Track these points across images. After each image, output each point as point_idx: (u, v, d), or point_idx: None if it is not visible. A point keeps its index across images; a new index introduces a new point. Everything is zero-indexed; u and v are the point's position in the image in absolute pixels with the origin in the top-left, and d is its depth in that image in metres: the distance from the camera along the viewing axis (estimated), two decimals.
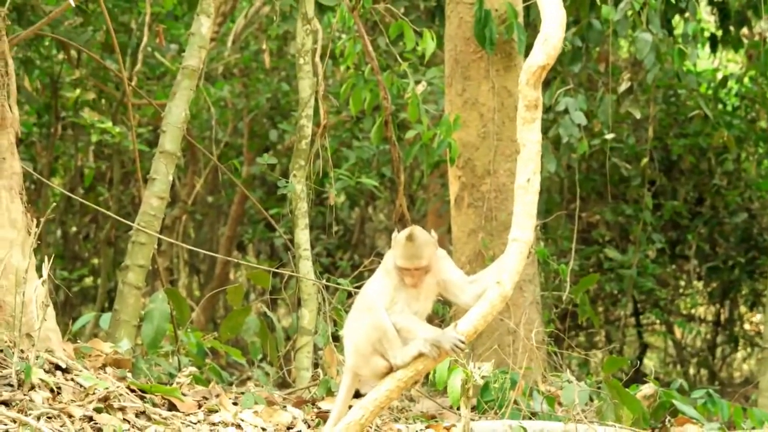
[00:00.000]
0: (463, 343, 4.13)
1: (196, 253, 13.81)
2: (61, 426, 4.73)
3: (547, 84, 9.19)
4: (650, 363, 13.38)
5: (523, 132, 4.26)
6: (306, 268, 7.06)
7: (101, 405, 5.01)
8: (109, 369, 5.71)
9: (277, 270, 7.13)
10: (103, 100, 11.71)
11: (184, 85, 6.82)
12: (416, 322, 4.22)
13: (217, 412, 5.45)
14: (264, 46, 10.74)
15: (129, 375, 5.73)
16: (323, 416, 5.48)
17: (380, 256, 4.55)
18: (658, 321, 13.11)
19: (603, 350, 12.21)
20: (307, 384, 6.66)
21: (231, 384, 6.72)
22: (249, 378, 8.05)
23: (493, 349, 6.67)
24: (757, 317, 13.27)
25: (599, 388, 6.25)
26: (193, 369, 6.13)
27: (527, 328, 6.95)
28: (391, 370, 4.23)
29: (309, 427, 5.53)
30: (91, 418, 4.88)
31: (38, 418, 4.71)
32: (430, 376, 5.68)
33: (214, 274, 13.85)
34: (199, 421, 5.29)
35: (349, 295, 6.86)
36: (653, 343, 14.09)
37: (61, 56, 11.27)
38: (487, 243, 7.37)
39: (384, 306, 4.24)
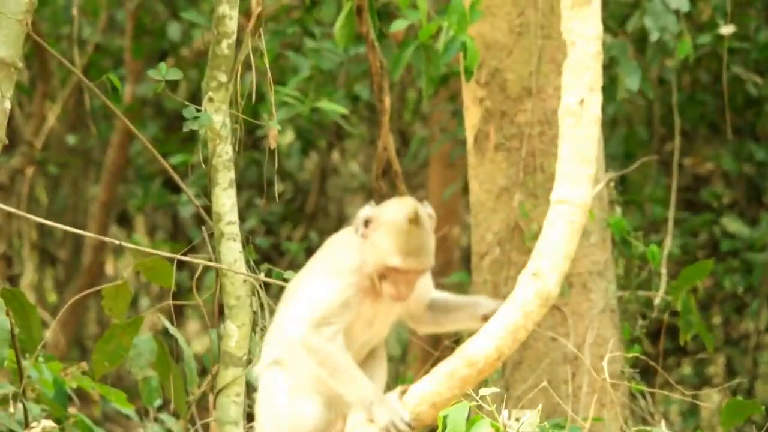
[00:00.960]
0: (409, 426, 4.31)
1: (51, 230, 13.77)
2: None
3: None
4: None
5: (571, 22, 4.34)
6: (232, 253, 7.07)
7: None
8: None
9: (184, 258, 7.08)
10: None
11: None
12: (347, 369, 4.31)
13: None
14: None
15: None
16: None
17: None
18: None
19: (721, 389, 12.23)
20: None
21: None
22: None
23: (541, 386, 6.59)
24: None
25: None
26: (49, 423, 6.09)
27: (596, 353, 6.99)
28: None
29: None
30: None
31: None
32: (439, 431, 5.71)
33: (80, 266, 13.86)
34: None
35: None
36: None
37: None
38: (528, 210, 7.41)
39: (311, 324, 4.41)
